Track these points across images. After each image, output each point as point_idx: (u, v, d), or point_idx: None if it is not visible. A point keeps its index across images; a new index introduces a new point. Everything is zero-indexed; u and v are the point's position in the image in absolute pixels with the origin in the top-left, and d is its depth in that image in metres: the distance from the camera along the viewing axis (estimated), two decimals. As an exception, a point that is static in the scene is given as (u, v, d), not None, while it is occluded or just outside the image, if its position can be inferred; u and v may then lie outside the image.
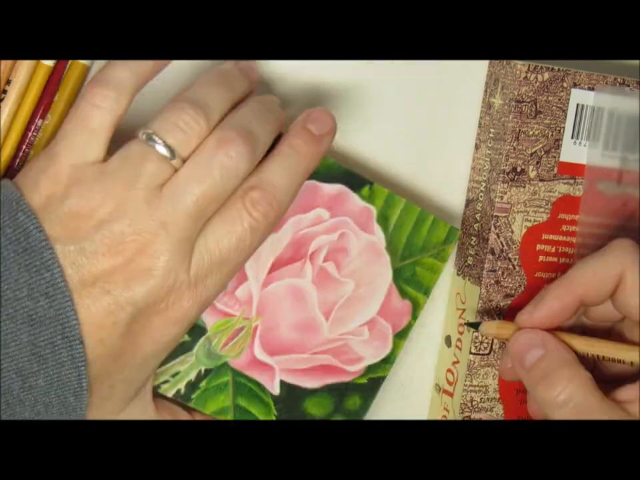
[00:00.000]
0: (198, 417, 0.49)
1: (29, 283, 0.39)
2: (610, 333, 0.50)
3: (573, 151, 0.53)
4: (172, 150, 0.41)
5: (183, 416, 0.48)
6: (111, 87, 0.42)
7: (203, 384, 0.49)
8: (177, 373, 0.48)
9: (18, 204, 0.40)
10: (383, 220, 0.51)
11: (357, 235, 0.51)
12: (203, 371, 0.49)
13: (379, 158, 0.54)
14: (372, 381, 0.52)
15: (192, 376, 0.49)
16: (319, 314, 0.51)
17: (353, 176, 0.50)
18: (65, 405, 0.41)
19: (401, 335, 0.53)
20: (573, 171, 0.54)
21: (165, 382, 0.48)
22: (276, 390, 0.50)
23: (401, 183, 0.55)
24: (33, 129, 0.47)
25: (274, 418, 0.50)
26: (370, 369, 0.52)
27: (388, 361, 0.52)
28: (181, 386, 0.48)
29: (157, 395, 0.48)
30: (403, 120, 0.54)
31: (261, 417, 0.50)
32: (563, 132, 0.53)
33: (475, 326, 0.51)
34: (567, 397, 0.45)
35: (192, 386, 0.49)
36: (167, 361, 0.47)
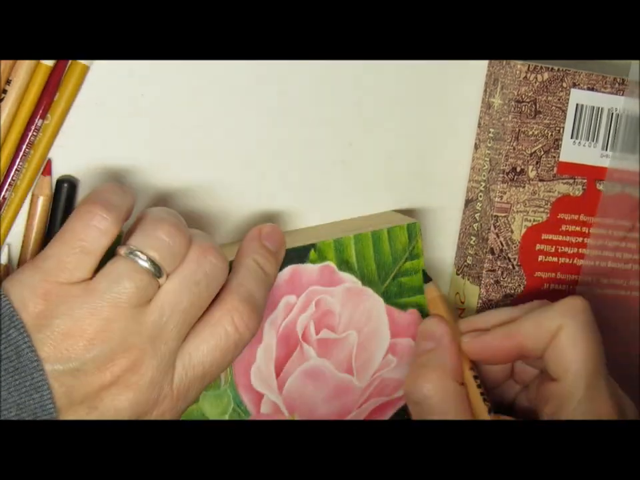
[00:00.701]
0: None
1: (17, 402, 0.39)
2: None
3: (572, 151, 0.53)
4: (156, 265, 0.42)
5: None
6: (110, 209, 0.41)
7: None
8: None
9: (11, 320, 0.40)
10: (345, 265, 0.50)
11: (331, 292, 0.50)
12: None
13: (378, 159, 0.54)
14: None
15: None
16: (343, 375, 0.51)
17: (293, 251, 0.49)
18: None
19: None
20: (572, 171, 0.53)
21: None
22: None
23: (400, 184, 0.54)
24: (33, 128, 0.46)
25: None
26: None
27: None
28: None
29: None
30: (403, 120, 0.53)
31: None
32: (563, 132, 0.53)
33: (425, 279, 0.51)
34: (424, 397, 0.47)
35: None
36: None
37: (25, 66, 0.45)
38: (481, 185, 0.53)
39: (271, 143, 0.51)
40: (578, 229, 0.54)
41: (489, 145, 0.53)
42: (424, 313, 0.51)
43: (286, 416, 0.50)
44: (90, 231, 0.41)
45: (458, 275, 0.55)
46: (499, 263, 0.53)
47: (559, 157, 0.53)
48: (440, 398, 0.46)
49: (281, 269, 0.48)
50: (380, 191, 0.52)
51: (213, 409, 0.48)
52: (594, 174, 0.54)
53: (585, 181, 0.54)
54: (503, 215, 0.52)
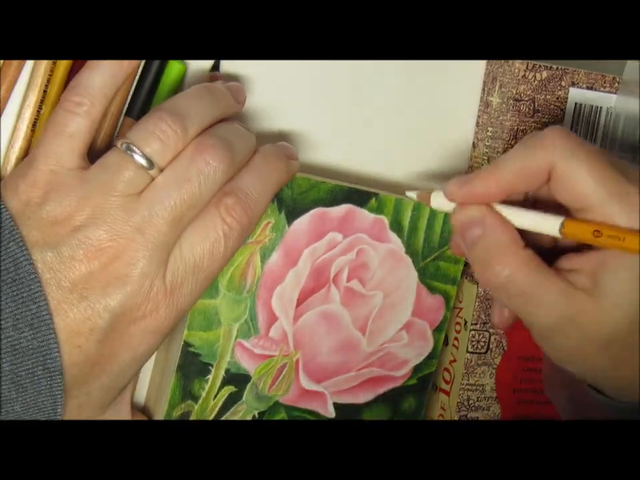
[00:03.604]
0: None
1: (14, 313, 0.40)
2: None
3: None
4: (149, 160, 0.42)
5: None
6: (85, 93, 0.42)
7: None
8: None
9: (11, 233, 0.41)
10: (397, 226, 0.51)
11: (374, 247, 0.51)
12: (257, 415, 0.50)
13: (378, 158, 0.54)
14: (422, 379, 0.53)
15: None
16: (355, 331, 0.52)
17: (357, 192, 0.50)
18: None
19: (439, 329, 0.53)
20: None
21: None
22: (331, 413, 0.52)
23: (399, 183, 0.55)
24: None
25: None
26: (417, 368, 0.53)
27: (433, 356, 0.53)
28: None
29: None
30: (400, 119, 0.54)
31: None
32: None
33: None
34: (504, 280, 0.43)
35: None
36: (219, 416, 0.50)
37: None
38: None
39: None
40: None
41: (487, 143, 0.53)
42: (449, 304, 0.52)
43: (290, 349, 0.50)
44: (68, 115, 0.42)
45: (456, 274, 0.54)
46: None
47: None
48: (520, 273, 0.43)
49: (337, 204, 0.49)
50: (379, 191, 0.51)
51: (228, 312, 0.48)
52: None
53: None
54: None
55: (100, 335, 0.41)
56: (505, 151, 0.52)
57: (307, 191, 0.49)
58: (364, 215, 0.50)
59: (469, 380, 0.54)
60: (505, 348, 0.54)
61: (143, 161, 0.42)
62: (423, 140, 0.54)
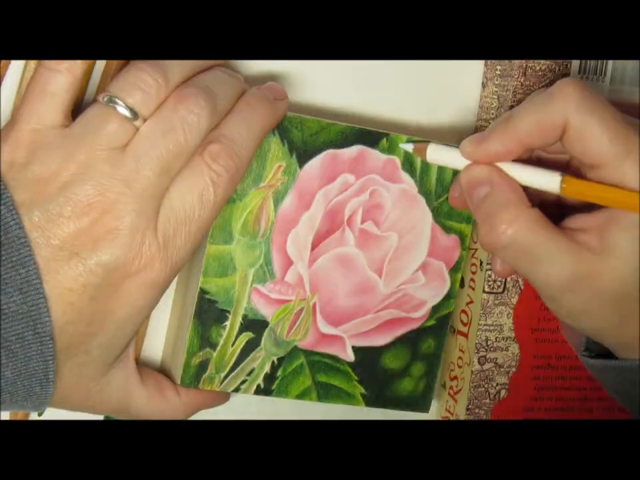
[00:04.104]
0: (183, 393, 0.49)
1: (3, 277, 0.39)
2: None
3: None
4: (133, 110, 0.42)
5: (168, 384, 0.49)
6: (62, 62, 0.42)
7: (279, 373, 0.50)
8: (251, 371, 0.50)
9: (0, 197, 0.40)
10: (409, 166, 0.50)
11: (387, 188, 0.50)
12: (275, 361, 0.50)
13: (385, 99, 0.53)
14: (440, 319, 0.53)
15: (267, 369, 0.50)
16: (371, 273, 0.51)
17: (367, 133, 0.50)
18: (31, 394, 0.41)
19: (456, 269, 0.53)
20: None
21: (243, 382, 0.50)
22: (350, 357, 0.52)
23: (408, 126, 0.54)
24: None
25: (356, 383, 0.52)
26: (435, 309, 0.53)
27: (450, 296, 0.53)
28: (259, 381, 0.50)
29: (156, 369, 0.50)
30: (410, 62, 0.53)
31: (344, 387, 0.51)
32: (570, 67, 0.52)
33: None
34: (509, 239, 0.43)
35: (269, 378, 0.50)
36: (239, 363, 0.49)
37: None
38: (490, 123, 0.52)
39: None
40: None
41: (497, 82, 0.52)
42: (464, 243, 0.52)
43: (307, 293, 0.50)
44: (49, 73, 0.41)
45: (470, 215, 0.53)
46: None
47: None
48: (525, 231, 0.43)
49: (348, 146, 0.49)
50: (389, 131, 0.51)
51: (243, 257, 0.48)
52: None
53: None
54: None
55: (93, 291, 0.41)
56: (514, 89, 0.51)
57: (318, 133, 0.48)
58: (376, 156, 0.50)
59: (486, 320, 0.54)
60: (522, 287, 0.54)
61: (126, 112, 0.41)
62: (432, 82, 0.54)
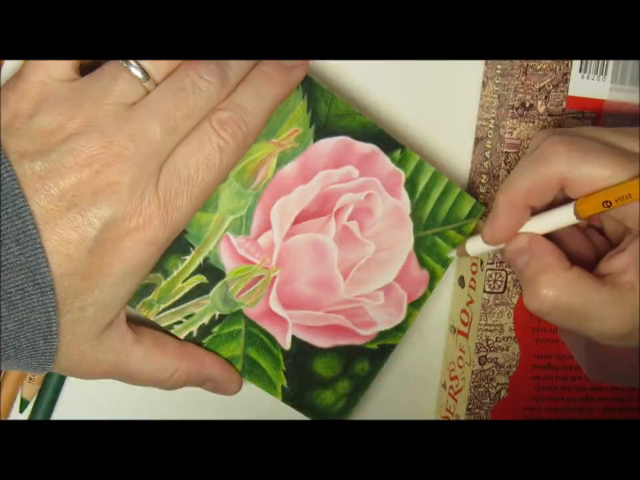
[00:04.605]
0: (188, 344, 0.49)
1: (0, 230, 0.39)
2: None
3: (581, 85, 0.52)
4: (146, 72, 0.42)
5: (169, 339, 0.48)
6: None
7: (215, 329, 0.49)
8: (190, 315, 0.48)
9: None
10: (411, 186, 0.51)
11: (384, 197, 0.51)
12: (217, 316, 0.49)
13: (387, 100, 0.54)
14: (382, 347, 0.52)
15: (205, 320, 0.49)
16: (338, 273, 0.51)
17: (386, 137, 0.50)
18: (35, 349, 0.41)
19: (415, 305, 0.52)
20: (581, 105, 0.53)
21: (178, 322, 0.48)
22: (287, 344, 0.51)
23: (409, 123, 0.54)
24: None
25: (282, 373, 0.51)
26: (382, 335, 0.52)
27: (400, 329, 0.52)
28: (194, 329, 0.49)
29: (147, 325, 0.48)
30: (409, 61, 0.53)
31: (269, 371, 0.50)
32: (571, 66, 0.52)
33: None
34: (551, 303, 0.44)
35: (205, 330, 0.49)
36: (182, 302, 0.48)
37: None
38: (490, 123, 0.53)
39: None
40: None
41: (497, 81, 0.53)
42: (432, 284, 0.52)
43: (272, 264, 0.49)
44: None
45: (471, 216, 0.54)
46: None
47: (567, 91, 0.52)
48: (567, 294, 0.44)
49: (365, 141, 0.49)
50: (389, 132, 0.50)
51: (227, 201, 0.47)
52: (603, 108, 0.53)
53: (594, 115, 0.53)
54: (514, 151, 0.52)
55: (91, 244, 0.41)
56: (515, 88, 0.51)
57: (342, 116, 0.49)
58: (385, 162, 0.50)
59: (487, 320, 0.54)
60: None
61: (138, 73, 0.42)
62: (432, 80, 0.54)
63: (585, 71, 0.53)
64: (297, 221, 0.49)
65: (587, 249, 0.48)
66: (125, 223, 0.41)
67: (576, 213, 0.45)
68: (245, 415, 0.54)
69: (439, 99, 0.54)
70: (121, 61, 0.42)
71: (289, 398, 0.51)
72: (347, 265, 0.51)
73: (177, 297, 0.48)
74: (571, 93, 0.52)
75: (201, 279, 0.48)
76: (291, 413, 0.52)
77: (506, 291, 0.54)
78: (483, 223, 0.50)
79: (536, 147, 0.46)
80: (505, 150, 0.52)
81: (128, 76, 0.41)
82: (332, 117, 0.49)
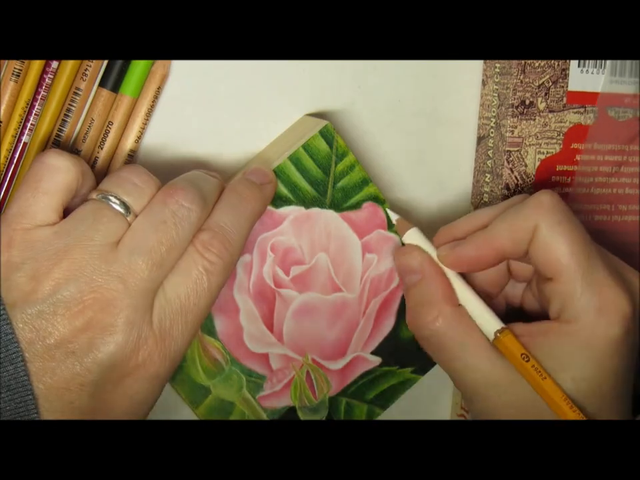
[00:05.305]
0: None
1: None
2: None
3: (581, 80, 0.52)
4: (126, 206, 0.41)
5: None
6: (70, 155, 0.41)
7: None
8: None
9: None
10: (280, 201, 0.48)
11: (280, 232, 0.49)
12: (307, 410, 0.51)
13: (388, 100, 0.53)
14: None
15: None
16: (332, 296, 0.50)
17: None
18: None
19: (390, 223, 0.50)
20: (582, 100, 0.53)
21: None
22: (376, 361, 0.51)
23: (410, 125, 0.54)
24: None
25: (398, 371, 0.51)
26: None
27: None
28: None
29: None
30: (410, 61, 0.53)
31: (394, 382, 0.51)
32: (570, 61, 0.52)
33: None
34: (430, 333, 0.45)
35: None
36: None
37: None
38: (492, 122, 0.53)
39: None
40: (592, 157, 0.54)
41: (496, 80, 0.53)
42: (379, 200, 0.49)
43: (300, 360, 0.49)
44: (45, 169, 0.41)
45: (477, 213, 0.55)
46: (515, 197, 0.52)
47: (567, 86, 0.52)
48: (444, 328, 0.45)
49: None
50: (389, 132, 0.52)
51: (228, 391, 0.48)
52: (604, 101, 0.53)
53: (596, 108, 0.53)
54: (516, 149, 0.52)
55: (91, 389, 0.40)
56: (514, 87, 0.51)
57: None
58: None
59: None
60: None
61: (119, 208, 0.41)
62: (432, 81, 0.53)
63: (584, 65, 0.52)
64: (270, 327, 0.49)
65: (497, 283, 0.48)
66: (124, 364, 0.41)
67: (495, 340, 0.45)
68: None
69: (439, 98, 0.54)
70: (100, 197, 0.42)
71: (425, 371, 0.52)
72: (329, 284, 0.49)
73: None
74: (570, 88, 0.52)
75: None
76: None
77: None
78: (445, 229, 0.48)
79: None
80: (507, 149, 0.52)
81: (110, 212, 0.41)
82: None
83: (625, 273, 0.45)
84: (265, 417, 0.49)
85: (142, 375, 0.41)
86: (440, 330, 0.45)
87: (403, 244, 0.48)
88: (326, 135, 0.47)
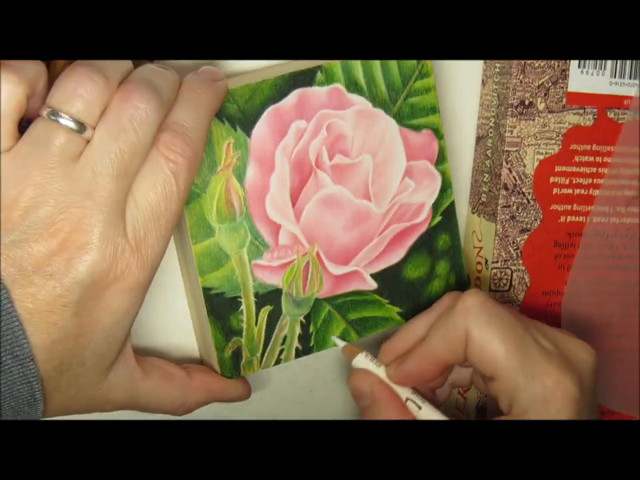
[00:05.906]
0: (196, 377, 0.49)
1: None
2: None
3: (580, 81, 0.52)
4: (78, 121, 0.40)
5: (176, 370, 0.49)
6: (13, 71, 0.40)
7: (311, 329, 0.50)
8: (284, 339, 0.50)
9: None
10: (354, 87, 0.48)
11: (341, 116, 0.48)
12: (303, 320, 0.50)
13: None
14: (445, 213, 0.52)
15: (298, 330, 0.50)
16: (360, 201, 0.50)
17: (300, 74, 0.47)
18: (20, 413, 0.41)
19: (440, 160, 0.51)
20: (582, 101, 0.52)
21: (281, 352, 0.50)
22: (373, 285, 0.51)
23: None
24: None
25: (389, 306, 0.51)
26: (436, 206, 0.51)
27: (445, 187, 0.51)
28: (296, 345, 0.50)
29: (154, 355, 0.50)
30: None
31: (378, 314, 0.51)
32: (570, 61, 0.51)
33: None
34: None
35: (304, 338, 0.50)
36: (268, 338, 0.49)
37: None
38: (491, 121, 0.53)
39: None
40: (591, 159, 0.53)
41: (496, 80, 0.52)
42: (438, 133, 0.50)
43: (306, 246, 0.49)
44: None
45: (473, 213, 0.55)
46: (513, 198, 0.52)
47: (567, 87, 0.52)
48: None
49: (286, 94, 0.47)
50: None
51: (230, 242, 0.47)
52: (604, 102, 0.53)
53: (596, 110, 0.53)
54: (514, 149, 0.52)
55: (75, 308, 0.40)
56: (514, 87, 0.51)
57: (252, 97, 0.47)
58: (317, 92, 0.47)
59: None
60: (528, 284, 0.54)
61: (71, 124, 0.40)
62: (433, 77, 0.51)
63: (584, 66, 0.52)
64: (294, 200, 0.48)
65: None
66: (103, 279, 0.41)
67: None
68: (245, 415, 0.54)
69: (439, 98, 0.52)
70: (49, 114, 0.40)
71: (410, 315, 0.52)
72: (362, 188, 0.49)
73: (263, 339, 0.49)
74: (570, 89, 0.52)
75: (267, 310, 0.49)
76: (291, 414, 0.54)
77: (511, 289, 0.54)
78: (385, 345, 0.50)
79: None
80: (506, 149, 0.52)
81: (63, 131, 0.40)
82: (244, 106, 0.47)
83: (566, 347, 0.46)
84: (251, 286, 0.49)
85: (122, 287, 0.41)
86: None
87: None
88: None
